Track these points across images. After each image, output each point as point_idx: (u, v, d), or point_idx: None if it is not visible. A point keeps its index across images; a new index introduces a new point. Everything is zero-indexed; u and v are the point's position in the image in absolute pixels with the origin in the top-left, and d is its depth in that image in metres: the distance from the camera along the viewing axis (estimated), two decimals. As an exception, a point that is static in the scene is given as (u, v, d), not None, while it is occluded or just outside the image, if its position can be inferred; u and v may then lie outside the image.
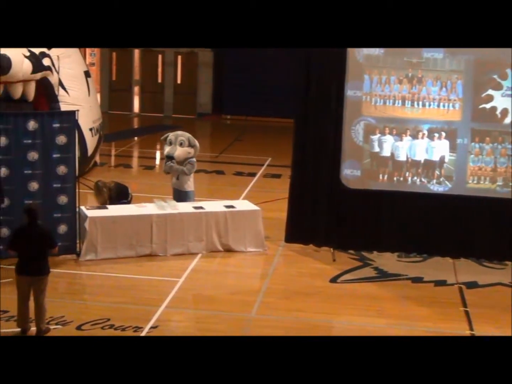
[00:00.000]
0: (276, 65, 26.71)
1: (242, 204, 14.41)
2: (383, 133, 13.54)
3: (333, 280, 12.60)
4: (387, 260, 13.54)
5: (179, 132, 14.73)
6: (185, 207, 13.76)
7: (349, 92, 13.43)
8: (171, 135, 14.61)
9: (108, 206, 13.84)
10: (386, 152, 13.60)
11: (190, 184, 14.40)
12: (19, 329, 10.19)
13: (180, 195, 14.31)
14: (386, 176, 13.63)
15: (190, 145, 14.45)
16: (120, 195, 14.41)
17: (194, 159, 14.53)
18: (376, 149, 13.61)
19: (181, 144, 14.41)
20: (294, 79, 14.45)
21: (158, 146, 23.69)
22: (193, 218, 13.49)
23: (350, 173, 13.62)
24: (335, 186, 13.62)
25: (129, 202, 14.45)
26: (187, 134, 14.63)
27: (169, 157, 14.41)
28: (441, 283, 12.59)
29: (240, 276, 12.71)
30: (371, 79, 13.40)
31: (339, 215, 13.71)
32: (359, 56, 13.34)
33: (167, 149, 14.52)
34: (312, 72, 13.45)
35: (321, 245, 13.89)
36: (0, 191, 11.95)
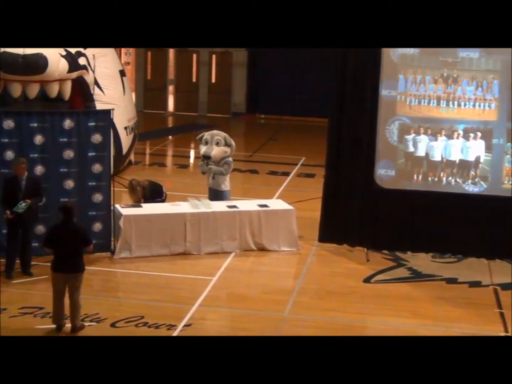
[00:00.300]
0: (310, 64, 26.66)
1: (276, 203, 14.40)
2: (417, 133, 13.46)
3: (367, 280, 12.56)
4: (421, 261, 13.46)
5: (215, 132, 14.71)
6: (219, 206, 13.78)
7: (384, 92, 13.37)
8: (206, 135, 14.60)
9: (142, 204, 13.90)
10: (421, 152, 13.52)
11: (226, 184, 14.40)
12: (54, 326, 10.27)
13: (216, 195, 14.31)
14: (420, 176, 13.55)
15: (227, 144, 14.42)
16: (154, 193, 14.46)
17: (231, 159, 14.51)
18: (411, 149, 13.54)
19: (217, 144, 14.38)
20: (329, 78, 14.41)
21: (192, 145, 23.78)
22: (226, 217, 13.51)
23: (384, 173, 13.56)
24: (369, 186, 13.57)
25: (163, 201, 14.50)
26: (223, 133, 14.61)
27: (206, 157, 14.39)
28: (475, 284, 12.49)
29: (273, 275, 12.71)
30: (406, 78, 13.33)
31: (373, 215, 13.66)
32: (394, 55, 13.28)
33: (203, 148, 14.50)
34: (347, 71, 13.41)
35: (355, 245, 13.84)
36: (40, 190, 12.04)
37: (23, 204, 11.70)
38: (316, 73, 26.12)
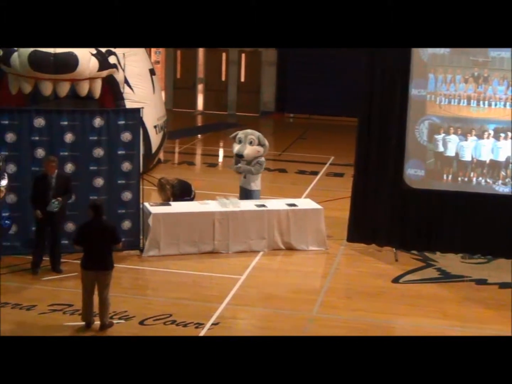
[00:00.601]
0: (340, 63, 26.60)
1: (304, 203, 14.38)
2: (447, 133, 13.36)
3: (396, 280, 12.50)
4: (451, 261, 13.37)
5: (249, 131, 14.67)
6: (247, 205, 13.78)
7: (414, 91, 13.28)
8: (240, 133, 14.55)
9: (171, 203, 13.93)
10: (451, 152, 13.42)
11: (257, 183, 14.38)
12: (83, 323, 10.32)
13: (246, 194, 14.32)
14: (450, 176, 13.44)
15: (260, 144, 14.38)
16: (183, 192, 14.48)
17: (263, 159, 14.48)
18: (441, 148, 13.44)
19: (250, 143, 14.34)
20: (358, 77, 14.35)
21: (221, 144, 23.80)
22: (255, 216, 13.50)
23: (414, 173, 13.48)
24: (398, 186, 13.49)
25: (192, 199, 14.52)
26: (257, 133, 14.56)
27: (239, 156, 14.36)
28: (506, 285, 12.38)
29: (301, 274, 12.68)
30: (436, 78, 13.23)
31: (402, 215, 13.58)
32: (424, 55, 13.18)
33: (236, 147, 14.45)
34: (376, 70, 13.35)
35: (383, 245, 13.78)
36: (69, 188, 12.11)
37: (56, 203, 11.78)
38: (345, 72, 26.05)
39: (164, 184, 14.38)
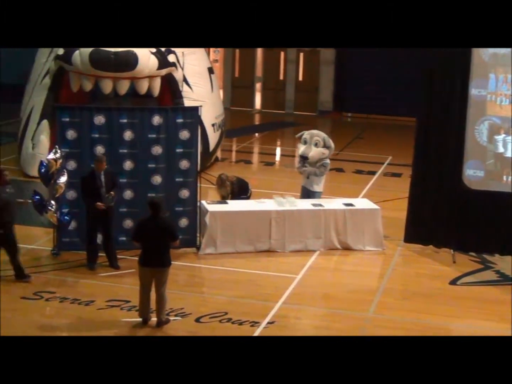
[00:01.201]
0: (398, 62, 26.39)
1: (362, 203, 14.31)
2: (508, 134, 13.16)
3: (453, 282, 12.37)
4: (509, 264, 13.17)
5: (315, 132, 14.60)
6: (304, 204, 13.76)
7: (473, 91, 13.12)
8: (306, 134, 14.48)
9: (228, 201, 13.96)
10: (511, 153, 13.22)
11: (320, 185, 14.31)
12: (140, 319, 10.41)
13: (308, 194, 14.26)
14: (510, 178, 13.24)
15: (325, 145, 14.30)
16: (241, 190, 14.49)
17: (328, 161, 14.40)
18: (501, 149, 13.25)
19: (316, 144, 14.26)
20: (417, 77, 14.22)
21: (278, 143, 23.80)
22: (311, 215, 13.48)
23: (473, 174, 13.31)
24: (456, 187, 13.34)
25: (248, 198, 14.52)
26: (323, 134, 14.48)
27: (303, 157, 14.30)
28: None
29: (357, 274, 12.63)
30: (497, 78, 13.05)
31: (460, 216, 13.41)
32: (485, 54, 13.01)
33: (301, 148, 14.35)
34: (435, 70, 13.21)
35: (441, 246, 13.64)
36: (117, 183, 12.21)
37: (110, 197, 11.93)
38: (404, 71, 25.84)
39: (224, 180, 14.35)
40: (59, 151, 12.29)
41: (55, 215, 12.36)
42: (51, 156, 12.29)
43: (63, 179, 12.36)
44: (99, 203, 11.89)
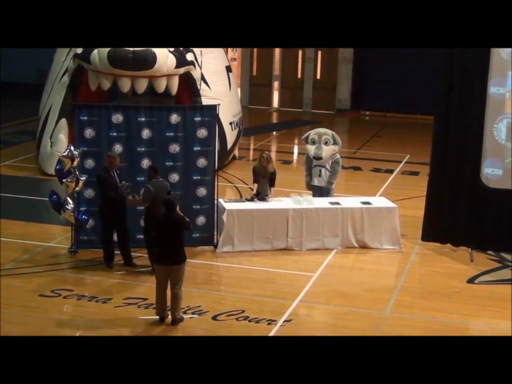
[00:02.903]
0: (417, 60, 26.28)
1: (379, 201, 14.26)
2: (526, 132, 13.07)
3: (471, 280, 12.30)
4: (528, 263, 13.12)
5: (322, 130, 14.54)
6: (321, 202, 13.72)
7: (492, 89, 13.02)
8: (313, 134, 14.42)
9: (245, 198, 13.91)
10: (530, 152, 13.12)
11: (334, 183, 14.28)
12: (157, 317, 10.41)
13: (321, 192, 14.22)
14: (529, 176, 13.15)
15: (335, 142, 14.28)
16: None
17: (339, 156, 14.36)
18: (519, 148, 13.15)
19: (326, 143, 14.22)
20: (435, 75, 14.15)
21: (296, 141, 23.75)
22: (329, 213, 13.44)
23: (491, 172, 13.22)
24: (474, 185, 13.25)
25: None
26: (330, 131, 14.42)
27: (317, 158, 14.22)
28: None
29: (375, 273, 12.58)
30: (516, 76, 12.95)
31: (478, 214, 13.33)
32: (504, 52, 12.90)
33: (312, 149, 14.24)
34: (454, 68, 13.12)
35: (459, 244, 13.57)
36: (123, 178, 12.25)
37: (125, 187, 11.94)
38: (423, 69, 25.74)
39: (266, 159, 13.65)
40: (72, 149, 12.27)
41: (72, 214, 12.38)
42: (65, 153, 12.29)
43: (82, 177, 12.39)
44: (132, 197, 11.89)
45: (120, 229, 12.22)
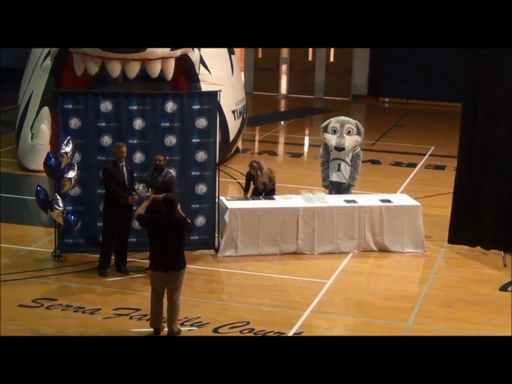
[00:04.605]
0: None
1: (400, 198, 14.27)
2: None
3: (503, 288, 12.31)
4: None
5: (344, 118, 14.53)
6: (335, 200, 13.74)
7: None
8: (334, 122, 14.40)
9: (249, 196, 13.94)
10: None
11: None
12: (151, 329, 10.43)
13: (339, 189, 14.25)
14: None
15: (358, 132, 14.30)
16: (272, 183, 14.24)
17: (359, 149, 14.39)
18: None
19: (349, 133, 14.23)
20: (462, 57, 14.13)
21: (307, 131, 23.80)
22: (344, 212, 13.46)
23: (525, 167, 13.22)
24: (506, 182, 13.25)
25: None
26: (353, 120, 14.41)
27: (339, 149, 14.22)
28: None
29: (396, 279, 12.60)
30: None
31: (511, 215, 13.34)
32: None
33: (333, 139, 14.21)
34: (483, 50, 13.12)
35: (490, 247, 13.58)
36: (133, 176, 12.23)
37: (141, 188, 11.82)
38: (448, 51, 25.67)
39: (256, 169, 13.85)
40: (71, 142, 12.31)
41: (62, 214, 12.37)
42: (64, 149, 12.28)
43: (73, 173, 12.38)
44: (132, 197, 11.91)
45: (122, 230, 12.22)
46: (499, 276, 12.72)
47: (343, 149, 14.12)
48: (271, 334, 10.49)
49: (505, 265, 13.13)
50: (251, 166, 13.98)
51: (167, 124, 12.89)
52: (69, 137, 12.40)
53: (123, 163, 12.08)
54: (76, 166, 12.40)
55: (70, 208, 12.66)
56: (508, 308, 11.53)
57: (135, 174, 12.47)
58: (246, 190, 14.04)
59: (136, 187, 11.84)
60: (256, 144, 21.92)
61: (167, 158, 12.72)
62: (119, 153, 12.04)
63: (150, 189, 11.66)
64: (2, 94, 24.13)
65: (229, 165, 18.02)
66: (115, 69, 16.37)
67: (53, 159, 12.36)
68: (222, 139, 16.41)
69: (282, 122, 25.40)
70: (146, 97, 12.99)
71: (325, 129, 14.45)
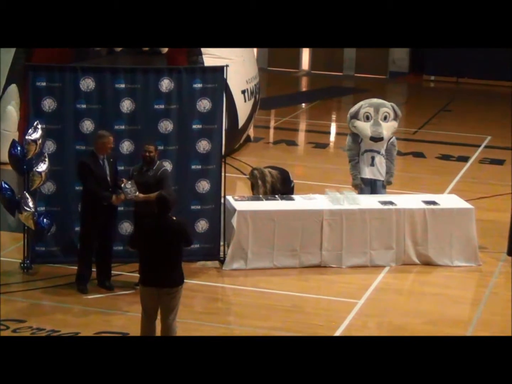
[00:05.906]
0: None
1: (448, 200, 14.25)
2: None
3: None
4: None
5: (378, 101, 14.47)
6: (368, 201, 13.71)
7: None
8: (366, 107, 14.32)
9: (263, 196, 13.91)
10: None
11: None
12: (141, 359, 10.42)
13: (373, 188, 14.23)
14: None
15: (396, 116, 14.28)
16: (285, 185, 14.18)
17: (394, 137, 14.39)
18: None
19: (385, 118, 14.19)
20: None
21: (333, 117, 23.79)
22: (379, 217, 13.45)
23: None
24: None
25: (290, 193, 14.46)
26: (388, 103, 14.39)
27: (377, 139, 14.19)
28: None
29: (442, 300, 12.58)
30: None
31: None
32: None
33: (367, 127, 14.17)
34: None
35: (559, 261, 13.58)
36: (117, 170, 12.23)
37: (130, 187, 11.83)
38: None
39: (261, 177, 14.03)
40: (39, 127, 12.30)
41: (33, 217, 12.34)
42: (31, 135, 12.27)
43: (43, 166, 12.35)
44: (118, 196, 11.91)
45: (104, 237, 12.21)
46: None
47: (381, 139, 14.07)
48: (288, 366, 10.48)
49: None
50: (251, 174, 14.04)
51: (162, 107, 12.90)
52: (37, 121, 12.38)
53: (104, 156, 12.03)
54: (47, 157, 12.36)
55: (43, 209, 12.67)
56: None
57: (121, 167, 12.46)
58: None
59: (123, 185, 11.84)
60: (271, 131, 21.94)
61: (161, 148, 12.70)
62: (103, 144, 11.99)
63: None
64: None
65: (237, 157, 18.03)
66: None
67: (19, 147, 12.36)
68: (230, 125, 16.37)
69: (303, 104, 25.43)
70: (136, 73, 12.99)
71: (355, 116, 14.37)
